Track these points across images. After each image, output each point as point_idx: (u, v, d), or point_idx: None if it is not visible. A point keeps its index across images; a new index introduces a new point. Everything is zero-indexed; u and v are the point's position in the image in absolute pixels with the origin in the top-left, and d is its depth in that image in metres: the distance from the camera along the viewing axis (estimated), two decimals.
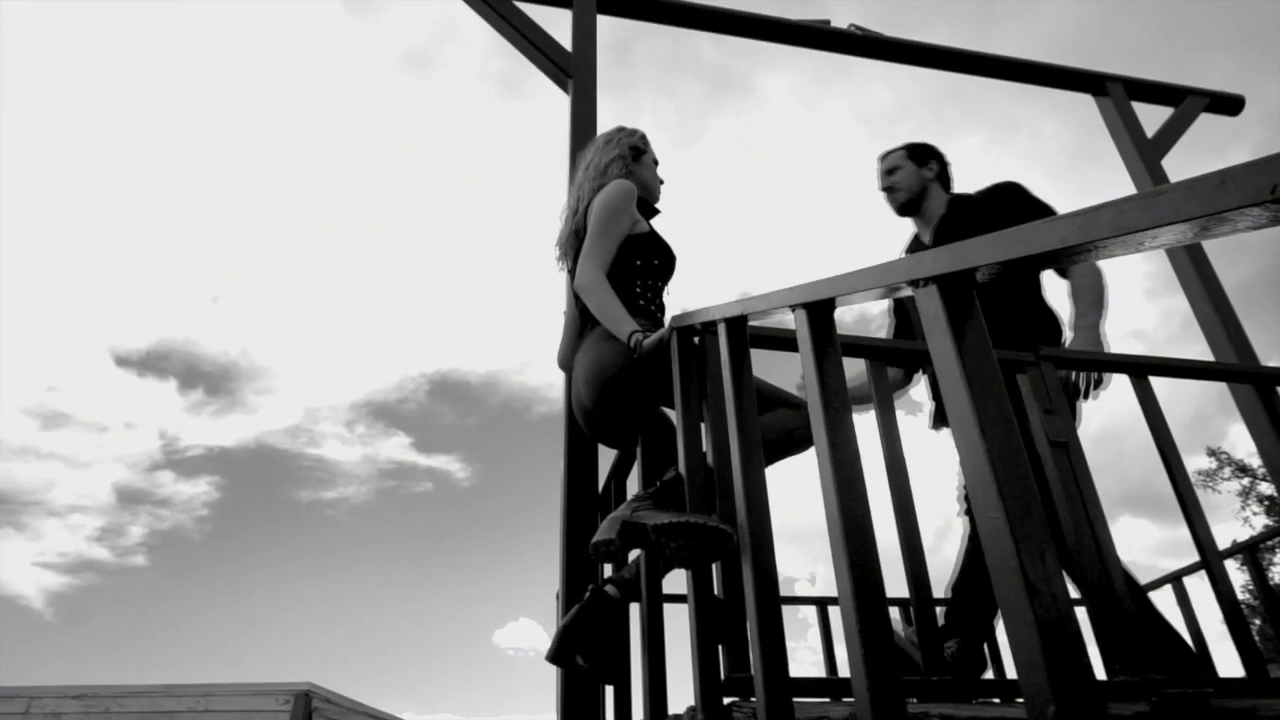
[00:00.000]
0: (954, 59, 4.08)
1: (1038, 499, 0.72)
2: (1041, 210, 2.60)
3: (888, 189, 2.87)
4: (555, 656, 1.77)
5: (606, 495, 2.40)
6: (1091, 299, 2.46)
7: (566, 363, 2.41)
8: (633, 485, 2.36)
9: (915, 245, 2.85)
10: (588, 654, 1.75)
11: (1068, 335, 2.50)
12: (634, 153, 2.38)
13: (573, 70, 3.18)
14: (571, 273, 2.30)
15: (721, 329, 1.44)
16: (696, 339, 1.69)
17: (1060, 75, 4.22)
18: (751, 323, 1.42)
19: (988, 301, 2.37)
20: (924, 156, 2.86)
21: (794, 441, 1.83)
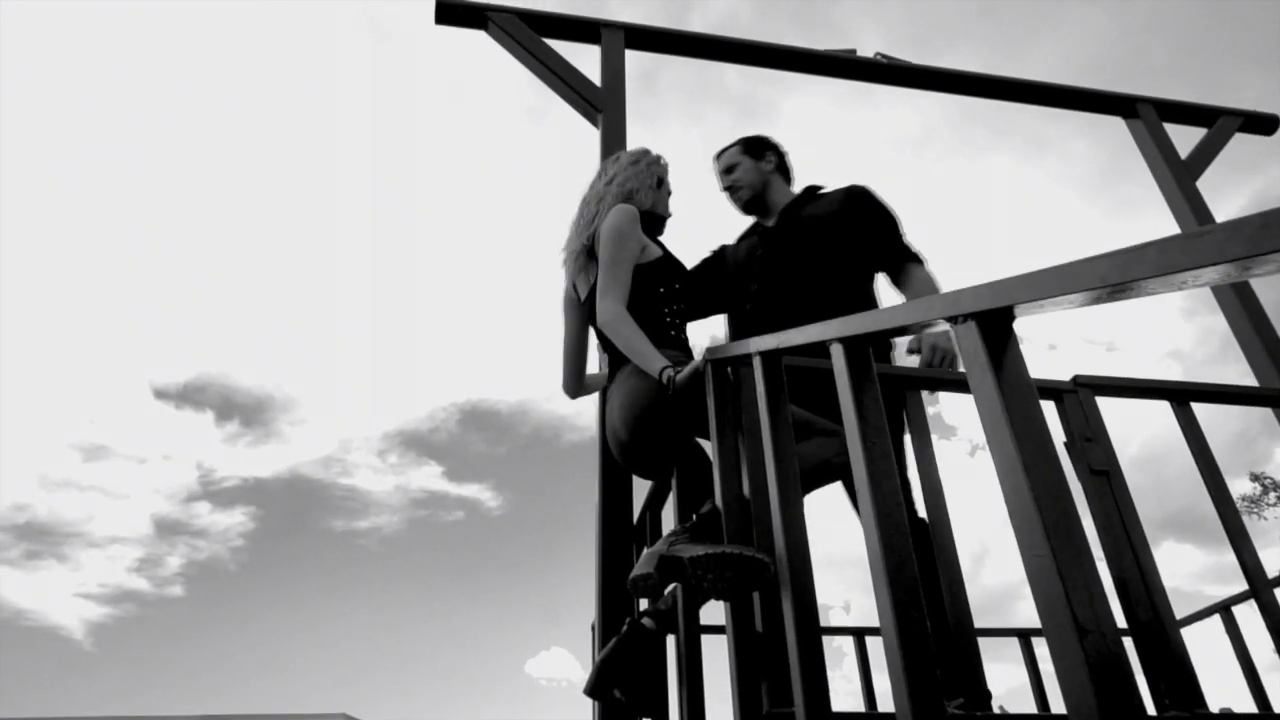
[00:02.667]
0: (982, 85, 4.09)
1: (1084, 535, 0.72)
2: (888, 218, 2.58)
3: (729, 189, 2.76)
4: (593, 690, 1.77)
5: (641, 526, 2.40)
6: None
7: (574, 390, 2.40)
8: (668, 516, 2.37)
9: (753, 231, 2.74)
10: (625, 687, 1.75)
11: (900, 341, 2.45)
12: (658, 183, 2.38)
13: (602, 105, 3.23)
14: (576, 289, 2.30)
15: (757, 362, 1.45)
16: (731, 372, 1.70)
17: (1090, 99, 4.20)
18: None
19: (819, 303, 2.36)
20: (760, 149, 2.77)
21: (830, 470, 1.82)
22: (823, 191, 2.72)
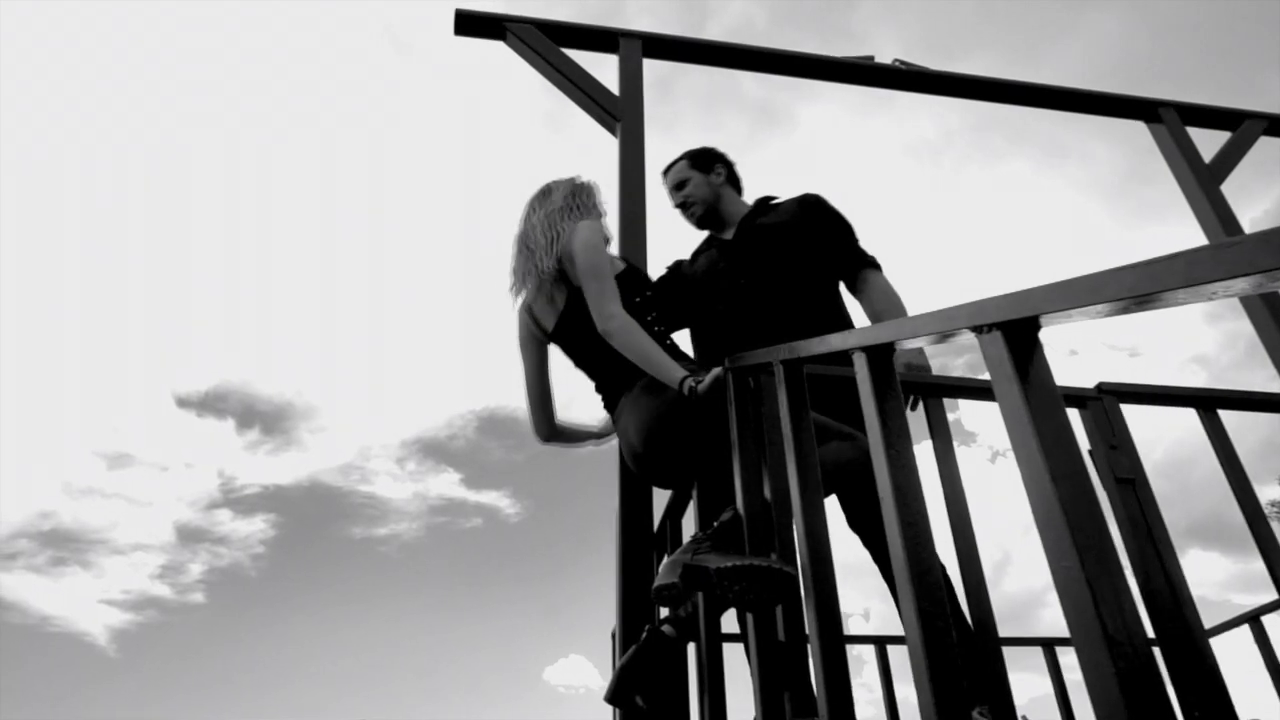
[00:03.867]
0: (1002, 90, 4.07)
1: (1113, 545, 0.71)
2: (842, 224, 2.56)
3: (681, 205, 2.70)
4: (613, 697, 1.77)
5: (662, 535, 2.40)
6: (901, 313, 2.42)
7: (549, 433, 2.33)
8: (688, 525, 2.36)
9: (709, 244, 2.67)
10: (647, 694, 1.75)
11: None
12: (596, 205, 2.31)
13: (620, 114, 3.24)
14: (539, 322, 2.19)
15: (779, 371, 1.45)
16: (751, 380, 1.70)
17: (1111, 103, 4.17)
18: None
19: (789, 313, 2.35)
20: (708, 162, 2.70)
21: (847, 475, 1.82)
22: (776, 201, 2.69)
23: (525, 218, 2.28)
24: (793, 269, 2.44)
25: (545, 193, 2.30)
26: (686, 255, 2.77)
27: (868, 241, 2.60)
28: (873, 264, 2.52)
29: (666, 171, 2.75)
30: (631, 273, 2.16)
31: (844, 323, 2.48)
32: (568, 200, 2.25)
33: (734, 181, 2.73)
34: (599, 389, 2.16)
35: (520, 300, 2.26)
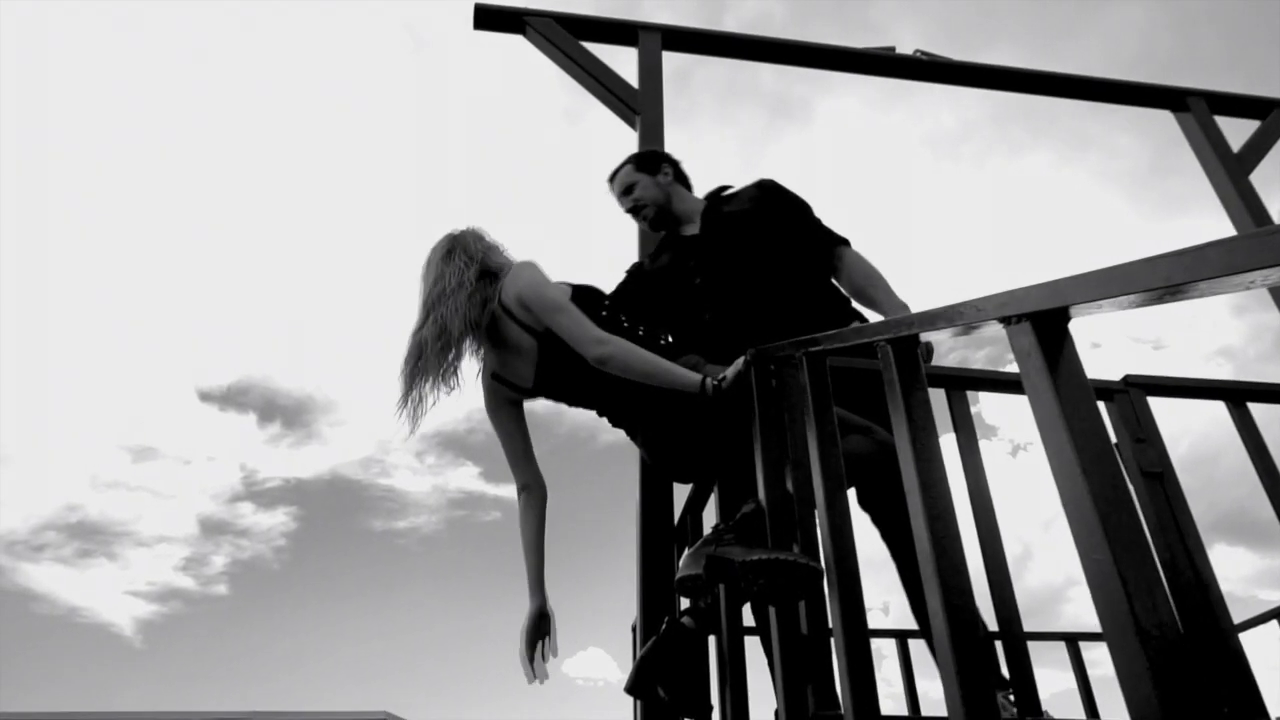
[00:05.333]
0: (1025, 80, 4.03)
1: (1146, 537, 0.71)
2: (802, 206, 2.50)
3: (632, 210, 2.61)
4: (633, 688, 1.77)
5: (682, 528, 2.40)
6: (881, 284, 2.36)
7: (535, 483, 2.13)
8: (709, 518, 2.36)
9: (671, 243, 2.56)
10: (668, 685, 1.75)
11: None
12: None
13: (640, 107, 3.24)
14: (507, 382, 2.04)
15: (803, 363, 1.44)
16: (773, 372, 1.70)
17: (1137, 92, 4.12)
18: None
19: (784, 300, 2.28)
20: (654, 163, 2.63)
21: (865, 468, 1.81)
22: (731, 190, 2.62)
23: (434, 280, 2.02)
24: (771, 252, 2.38)
25: (445, 257, 2.06)
26: (639, 258, 2.69)
27: (856, 228, 2.55)
28: (843, 241, 2.47)
29: (613, 178, 2.66)
30: (583, 292, 2.03)
31: (840, 299, 2.42)
32: (470, 257, 2.04)
33: (683, 179, 2.66)
34: (605, 415, 2.08)
35: (481, 372, 2.09)
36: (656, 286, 2.51)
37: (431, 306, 1.97)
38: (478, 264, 2.02)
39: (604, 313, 1.98)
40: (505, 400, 2.09)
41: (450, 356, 1.95)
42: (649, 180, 2.59)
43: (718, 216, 2.49)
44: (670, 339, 2.13)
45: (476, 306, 1.96)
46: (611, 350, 1.80)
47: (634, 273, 2.63)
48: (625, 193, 2.61)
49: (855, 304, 2.41)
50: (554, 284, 1.96)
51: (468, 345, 2.01)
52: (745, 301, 2.32)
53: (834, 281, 2.46)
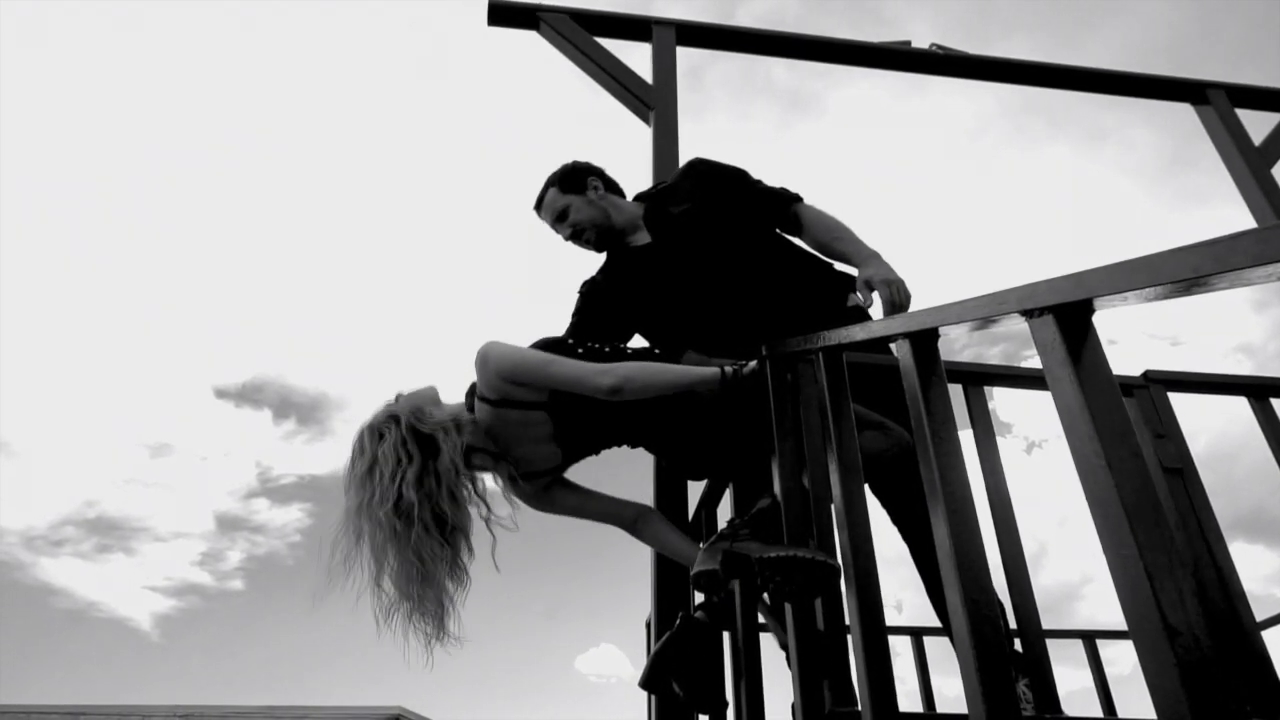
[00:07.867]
0: (1043, 74, 3.99)
1: (1172, 534, 0.70)
2: (738, 175, 2.37)
3: (573, 236, 2.37)
4: (648, 683, 1.77)
5: (697, 524, 2.39)
6: (847, 234, 2.22)
7: (639, 520, 2.00)
8: (723, 514, 2.35)
9: (623, 256, 2.38)
10: (683, 681, 1.75)
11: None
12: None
13: (654, 103, 3.23)
14: (524, 483, 1.90)
15: (820, 359, 1.43)
16: (789, 368, 1.69)
17: (1156, 85, 4.07)
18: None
19: (771, 286, 2.19)
20: (579, 180, 2.37)
21: (880, 464, 1.80)
22: (663, 185, 2.48)
23: (381, 454, 1.76)
24: (739, 241, 2.25)
25: (378, 438, 1.80)
26: (592, 274, 2.46)
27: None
28: (796, 198, 2.35)
29: (539, 206, 2.43)
30: (546, 343, 1.90)
31: (820, 265, 2.30)
32: (420, 417, 1.80)
33: (615, 189, 2.43)
34: (638, 444, 2.01)
35: (503, 490, 1.91)
36: (622, 303, 2.32)
37: (445, 462, 1.75)
38: (412, 435, 1.77)
39: (580, 350, 1.86)
40: (544, 488, 1.95)
41: (455, 485, 1.76)
42: (580, 200, 2.36)
43: (666, 219, 2.34)
44: (657, 351, 2.06)
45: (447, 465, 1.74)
46: (619, 376, 1.69)
47: (588, 292, 2.39)
48: (559, 220, 2.38)
49: (838, 266, 2.30)
50: (520, 348, 1.82)
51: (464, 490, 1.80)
52: (738, 298, 2.21)
53: (798, 241, 2.34)
